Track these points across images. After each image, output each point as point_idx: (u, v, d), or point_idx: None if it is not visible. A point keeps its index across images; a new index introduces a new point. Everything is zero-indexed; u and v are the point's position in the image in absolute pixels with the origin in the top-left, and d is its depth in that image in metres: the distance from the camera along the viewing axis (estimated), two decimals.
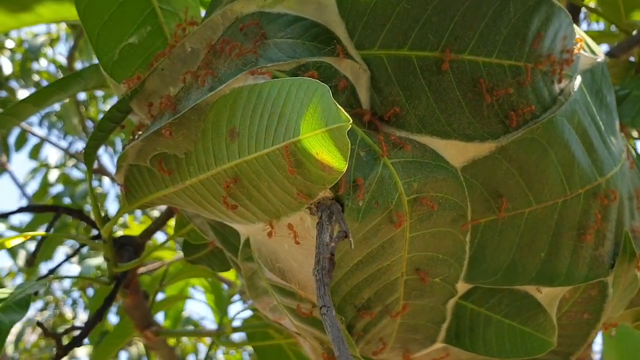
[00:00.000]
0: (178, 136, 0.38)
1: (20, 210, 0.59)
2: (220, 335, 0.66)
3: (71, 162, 3.10)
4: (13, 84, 2.61)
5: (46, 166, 3.02)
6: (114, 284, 0.56)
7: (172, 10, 0.50)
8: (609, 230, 0.44)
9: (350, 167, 0.33)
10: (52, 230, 0.55)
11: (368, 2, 0.38)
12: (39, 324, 0.48)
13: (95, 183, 2.67)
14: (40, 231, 0.59)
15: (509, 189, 0.40)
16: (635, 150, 0.58)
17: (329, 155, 0.29)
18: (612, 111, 0.49)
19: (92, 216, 0.51)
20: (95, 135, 0.44)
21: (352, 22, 0.38)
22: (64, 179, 3.04)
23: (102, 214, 0.49)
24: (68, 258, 0.59)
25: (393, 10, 0.37)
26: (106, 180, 2.60)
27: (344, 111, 0.27)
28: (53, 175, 3.01)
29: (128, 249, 0.61)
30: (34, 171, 3.03)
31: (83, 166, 2.82)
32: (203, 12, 0.54)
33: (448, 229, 0.38)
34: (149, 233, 0.64)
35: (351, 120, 0.27)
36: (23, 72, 2.38)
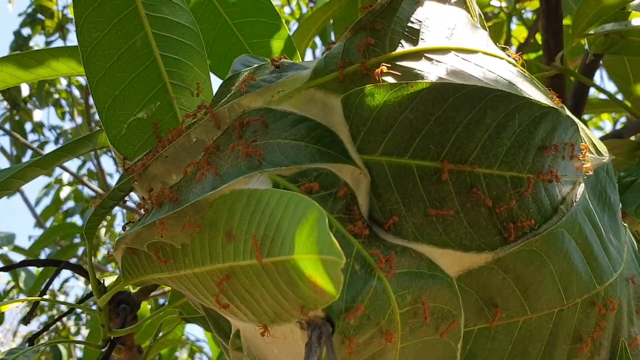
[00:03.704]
0: (175, 229, 0.38)
1: (23, 264, 0.60)
2: None
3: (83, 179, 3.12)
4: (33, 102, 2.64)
5: (59, 182, 3.04)
6: (107, 347, 0.56)
7: (182, 85, 0.51)
8: (605, 339, 0.44)
9: (344, 283, 0.33)
10: (48, 290, 0.55)
11: (372, 109, 0.38)
12: None
13: None
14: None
15: (504, 297, 0.40)
16: (638, 241, 0.58)
17: (321, 280, 0.29)
18: (616, 212, 0.49)
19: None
20: (97, 212, 0.45)
21: (356, 126, 0.38)
22: (76, 195, 3.06)
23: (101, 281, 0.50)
24: (58, 319, 0.60)
25: (396, 118, 0.38)
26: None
27: (338, 246, 0.27)
28: (65, 192, 3.04)
29: (124, 308, 0.61)
30: (48, 187, 3.06)
31: (94, 185, 2.83)
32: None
33: (440, 337, 0.38)
34: (146, 292, 0.64)
35: (344, 260, 0.27)
36: (39, 92, 2.42)
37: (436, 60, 0.40)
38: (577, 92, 0.85)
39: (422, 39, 0.42)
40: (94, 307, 0.60)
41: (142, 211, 0.43)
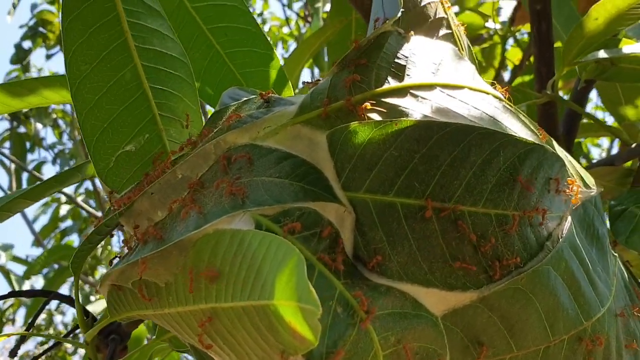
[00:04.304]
0: (159, 267, 0.38)
1: (12, 295, 0.60)
2: None
3: (80, 198, 3.12)
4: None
5: (57, 201, 3.04)
6: None
7: (172, 116, 0.51)
8: None
9: (326, 326, 0.33)
10: (36, 320, 0.55)
11: (357, 146, 0.38)
12: None
13: None
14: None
15: (490, 336, 0.40)
16: (629, 270, 0.57)
17: (300, 327, 0.29)
18: (605, 245, 0.49)
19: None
20: (83, 247, 0.45)
21: (341, 163, 0.38)
22: (74, 213, 3.05)
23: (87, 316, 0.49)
24: (48, 351, 0.59)
25: (380, 156, 0.38)
26: None
27: (315, 295, 0.27)
28: (63, 210, 3.03)
29: (114, 339, 0.61)
30: (45, 205, 3.05)
31: (92, 202, 2.81)
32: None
33: None
34: (136, 322, 0.64)
35: (321, 310, 0.27)
36: (38, 110, 2.43)
37: (421, 97, 0.40)
38: (569, 117, 0.85)
39: (408, 74, 0.42)
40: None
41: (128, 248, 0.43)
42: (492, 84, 0.45)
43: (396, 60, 0.42)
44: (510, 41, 1.52)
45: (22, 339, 0.55)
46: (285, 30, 2.85)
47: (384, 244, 0.37)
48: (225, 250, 0.34)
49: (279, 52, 2.93)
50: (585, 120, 0.94)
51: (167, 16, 0.55)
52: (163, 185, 0.41)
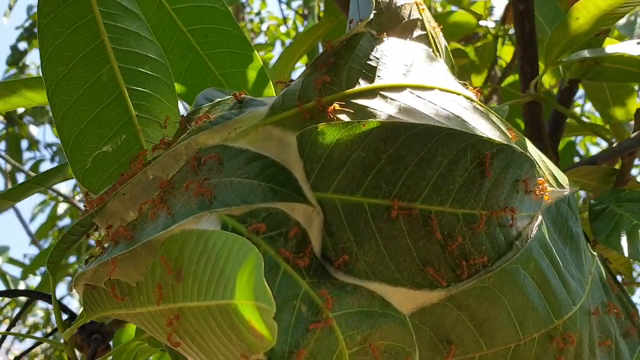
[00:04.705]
0: (129, 267, 0.38)
1: None
2: None
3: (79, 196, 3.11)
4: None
5: (55, 199, 3.04)
6: None
7: (150, 117, 0.52)
8: None
9: (289, 325, 0.34)
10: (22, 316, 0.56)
11: (325, 147, 0.38)
12: None
13: None
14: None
15: (459, 334, 0.40)
16: (607, 267, 0.57)
17: (259, 326, 0.29)
18: (579, 243, 0.49)
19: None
20: (59, 247, 0.45)
21: (310, 163, 0.39)
22: (72, 212, 3.05)
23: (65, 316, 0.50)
24: (28, 351, 0.60)
25: (348, 157, 0.38)
26: None
27: (270, 294, 0.27)
28: (61, 208, 3.02)
29: (96, 338, 0.61)
30: (43, 203, 3.04)
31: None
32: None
33: None
34: (118, 321, 0.64)
35: (274, 309, 0.27)
36: (34, 110, 2.43)
37: (390, 98, 0.41)
38: (555, 117, 0.85)
39: (378, 76, 0.42)
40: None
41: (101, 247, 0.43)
42: (464, 84, 0.46)
43: (367, 61, 0.43)
44: (507, 40, 1.52)
45: (2, 341, 0.56)
46: (283, 29, 2.86)
47: (352, 244, 0.38)
48: (192, 250, 0.35)
49: (278, 51, 2.94)
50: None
51: (147, 18, 0.55)
52: (135, 185, 0.41)
